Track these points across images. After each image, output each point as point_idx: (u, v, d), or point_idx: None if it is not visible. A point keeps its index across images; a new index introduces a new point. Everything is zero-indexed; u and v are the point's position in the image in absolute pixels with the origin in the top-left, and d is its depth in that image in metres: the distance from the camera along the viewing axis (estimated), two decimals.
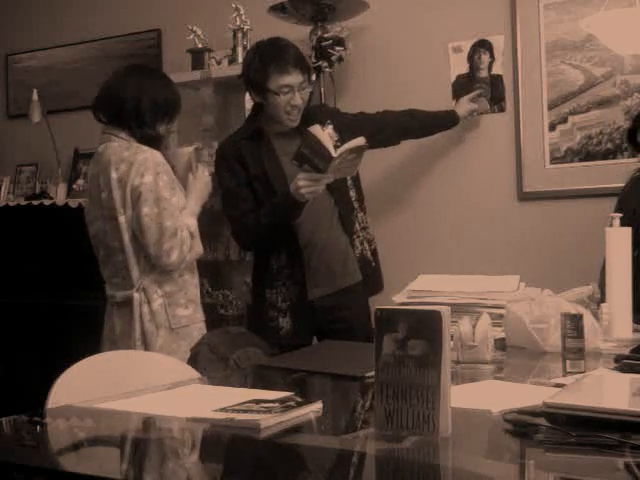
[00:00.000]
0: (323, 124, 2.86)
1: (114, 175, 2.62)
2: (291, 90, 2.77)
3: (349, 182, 2.95)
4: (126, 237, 2.63)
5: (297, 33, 3.84)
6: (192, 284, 2.74)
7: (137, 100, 2.67)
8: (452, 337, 1.85)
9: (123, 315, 2.67)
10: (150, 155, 2.63)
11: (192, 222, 2.70)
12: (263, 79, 2.79)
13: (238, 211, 2.87)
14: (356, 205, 2.97)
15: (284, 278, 2.88)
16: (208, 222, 4.04)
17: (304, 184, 2.63)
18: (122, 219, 2.62)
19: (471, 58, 3.70)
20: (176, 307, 2.66)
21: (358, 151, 2.64)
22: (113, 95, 2.71)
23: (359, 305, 2.93)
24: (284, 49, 2.81)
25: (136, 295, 2.62)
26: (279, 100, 2.78)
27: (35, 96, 4.39)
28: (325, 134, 2.67)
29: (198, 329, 2.71)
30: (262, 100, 2.85)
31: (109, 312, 2.75)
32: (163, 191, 2.60)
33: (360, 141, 2.62)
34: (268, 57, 2.79)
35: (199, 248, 2.72)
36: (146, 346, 2.61)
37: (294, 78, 2.77)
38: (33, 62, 4.85)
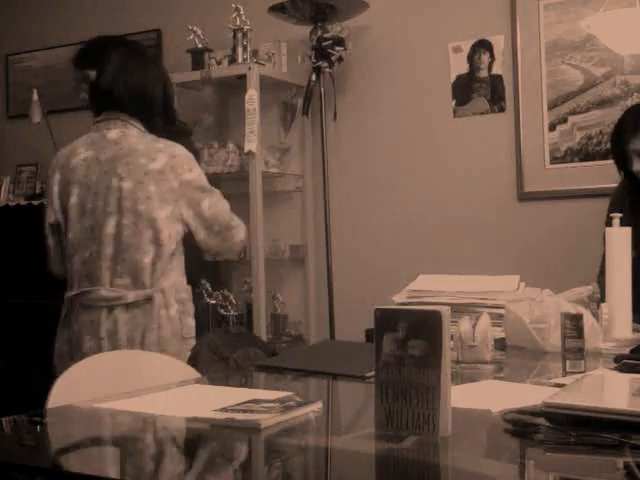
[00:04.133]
0: None
1: (153, 166, 2.41)
2: None
3: None
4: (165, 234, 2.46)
5: (297, 33, 3.85)
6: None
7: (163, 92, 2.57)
8: (452, 337, 1.85)
9: (132, 317, 2.46)
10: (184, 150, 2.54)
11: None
12: None
13: None
14: None
15: None
16: None
17: None
18: (162, 214, 2.42)
19: (471, 58, 3.71)
20: (187, 316, 2.55)
21: None
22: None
23: None
24: None
25: (157, 295, 2.45)
26: None
27: (35, 96, 4.39)
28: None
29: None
30: None
31: (106, 313, 2.47)
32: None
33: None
34: None
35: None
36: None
37: None
38: (33, 62, 4.86)
